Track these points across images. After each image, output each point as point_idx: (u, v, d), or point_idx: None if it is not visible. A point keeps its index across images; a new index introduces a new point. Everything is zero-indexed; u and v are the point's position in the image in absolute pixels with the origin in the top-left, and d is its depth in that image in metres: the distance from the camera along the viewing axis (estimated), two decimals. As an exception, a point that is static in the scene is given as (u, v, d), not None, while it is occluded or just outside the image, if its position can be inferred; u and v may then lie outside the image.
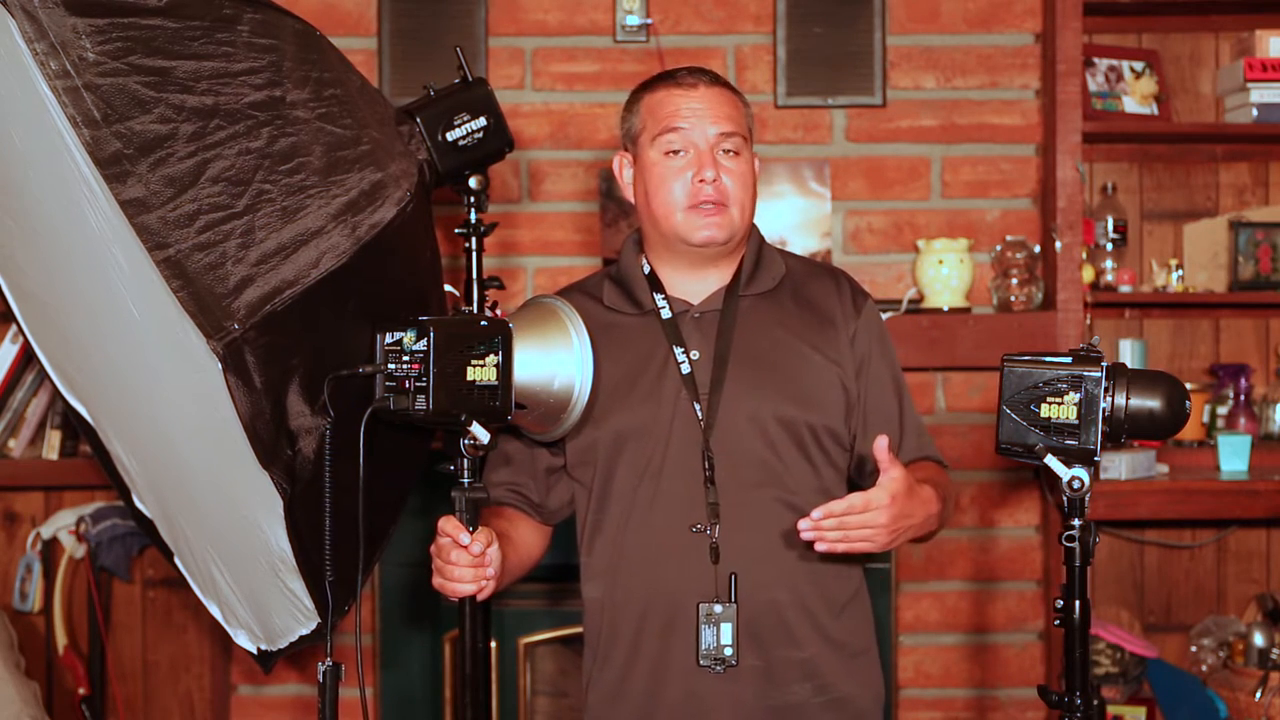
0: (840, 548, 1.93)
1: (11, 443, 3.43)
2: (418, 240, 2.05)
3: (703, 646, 2.07)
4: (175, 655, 3.67)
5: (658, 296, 2.18)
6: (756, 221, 2.27)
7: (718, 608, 2.07)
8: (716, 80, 2.18)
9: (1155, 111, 3.49)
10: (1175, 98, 3.59)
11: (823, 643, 2.14)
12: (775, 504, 2.12)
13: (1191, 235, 3.57)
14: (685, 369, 2.13)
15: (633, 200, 2.21)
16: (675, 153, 2.13)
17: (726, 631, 2.07)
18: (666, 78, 2.19)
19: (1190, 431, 3.44)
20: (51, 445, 3.43)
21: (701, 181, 2.10)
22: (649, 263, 2.21)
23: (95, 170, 1.75)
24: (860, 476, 2.20)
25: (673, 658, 2.11)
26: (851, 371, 2.18)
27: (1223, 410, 3.53)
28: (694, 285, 2.19)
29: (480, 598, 1.98)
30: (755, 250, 2.22)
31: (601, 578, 2.16)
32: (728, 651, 2.07)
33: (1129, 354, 3.46)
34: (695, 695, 2.10)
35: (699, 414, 2.11)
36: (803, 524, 1.91)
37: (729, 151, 2.13)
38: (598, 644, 2.19)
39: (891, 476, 1.93)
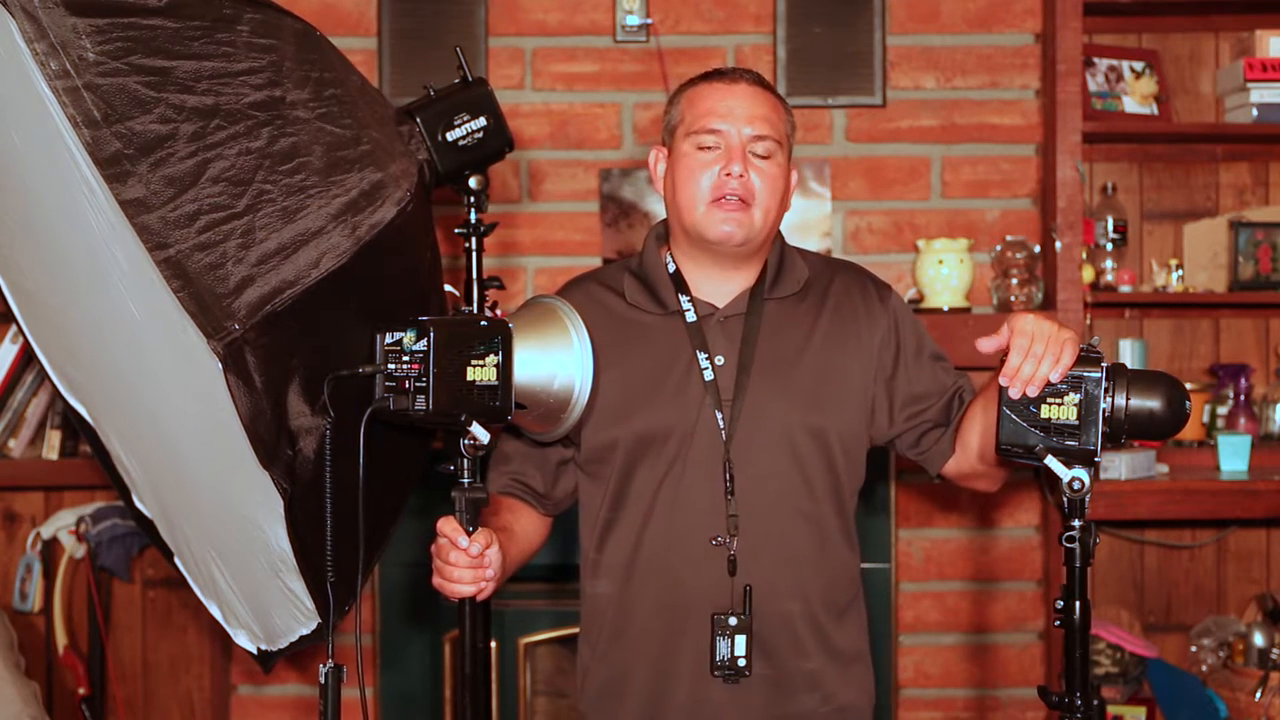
0: (1055, 374, 1.79)
1: (11, 443, 3.43)
2: (418, 240, 2.05)
3: (717, 657, 2.07)
4: (175, 655, 3.67)
5: (683, 298, 2.17)
6: None
7: (732, 619, 2.07)
8: (760, 82, 2.17)
9: (1155, 111, 3.49)
10: (1175, 98, 3.59)
11: (827, 653, 2.15)
12: (794, 515, 2.13)
13: (1191, 235, 3.57)
14: (709, 375, 2.12)
15: (662, 193, 2.21)
16: (708, 147, 2.12)
17: (741, 643, 2.07)
18: (710, 73, 2.19)
19: (1190, 431, 3.44)
20: (51, 445, 3.43)
21: (728, 175, 2.10)
22: (673, 260, 2.21)
23: (95, 170, 1.75)
24: (917, 449, 2.20)
25: (682, 663, 2.12)
26: (874, 369, 2.17)
27: (1223, 410, 3.53)
28: (719, 287, 2.18)
29: (480, 598, 1.98)
30: (778, 253, 2.21)
31: (612, 575, 2.16)
32: (741, 663, 2.07)
33: (1129, 354, 3.46)
34: (703, 701, 2.11)
35: (721, 423, 2.11)
36: (1013, 391, 1.80)
37: (761, 153, 2.12)
38: (598, 639, 2.19)
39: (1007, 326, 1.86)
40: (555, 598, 3.38)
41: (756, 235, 2.13)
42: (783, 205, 2.17)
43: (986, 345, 1.88)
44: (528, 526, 2.20)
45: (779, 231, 2.23)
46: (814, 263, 2.26)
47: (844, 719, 2.16)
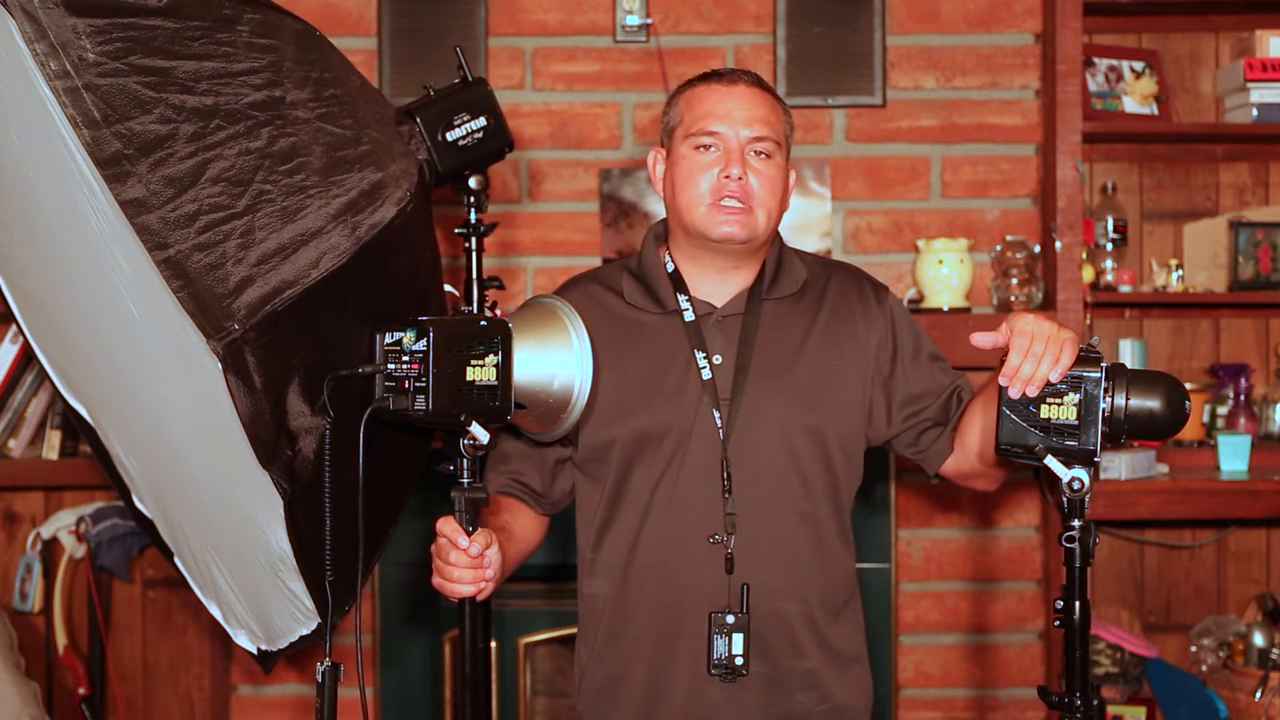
0: (1055, 373, 1.79)
1: (11, 443, 3.43)
2: (418, 240, 2.05)
3: (714, 655, 2.07)
4: (175, 655, 3.67)
5: (681, 297, 2.17)
6: None
7: (730, 618, 2.07)
8: (758, 83, 2.17)
9: (1155, 111, 3.49)
10: (1175, 98, 3.59)
11: (824, 653, 2.15)
12: (792, 515, 2.13)
13: (1191, 235, 3.57)
14: (706, 374, 2.12)
15: (661, 195, 2.22)
16: (706, 147, 2.12)
17: (738, 641, 2.07)
18: (709, 74, 2.19)
19: (1190, 431, 3.44)
20: (51, 445, 3.43)
21: (727, 178, 2.10)
22: (672, 260, 2.21)
23: (95, 170, 1.75)
24: (915, 448, 2.20)
25: (679, 661, 2.12)
26: (872, 370, 2.18)
27: (1223, 410, 3.53)
28: (717, 287, 2.18)
29: (480, 598, 1.98)
30: (777, 254, 2.22)
31: (609, 574, 2.16)
32: (739, 661, 2.07)
33: (1129, 354, 3.46)
34: (700, 700, 2.11)
35: (719, 421, 2.11)
36: (1012, 391, 1.80)
37: (760, 154, 2.12)
38: (595, 638, 2.19)
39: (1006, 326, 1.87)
40: (555, 597, 3.38)
41: (759, 236, 2.13)
42: (782, 205, 2.18)
43: (982, 340, 1.88)
44: (526, 526, 2.20)
45: (778, 232, 2.24)
46: (811, 264, 2.26)
47: (839, 718, 2.16)
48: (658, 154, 2.23)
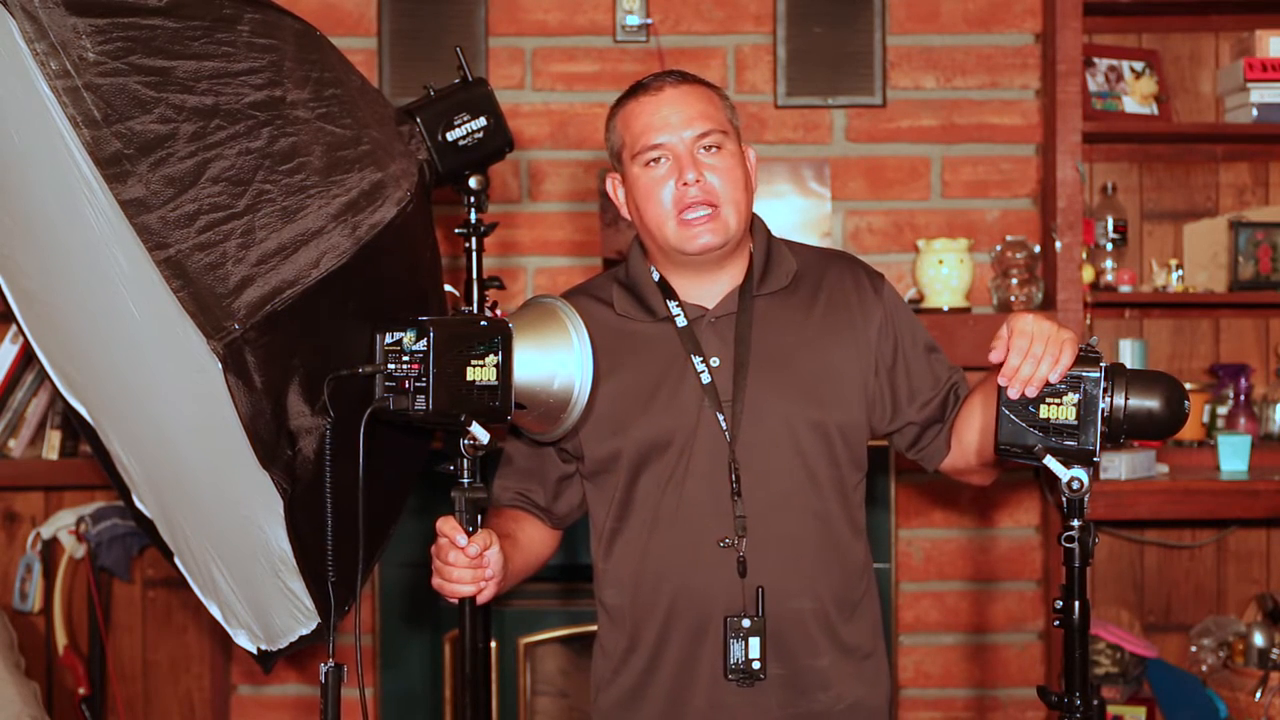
0: (1054, 374, 1.79)
1: (11, 443, 3.44)
2: (418, 240, 2.05)
3: (731, 660, 2.06)
4: (175, 655, 3.67)
5: (671, 304, 2.16)
6: (763, 217, 2.25)
7: (745, 621, 2.05)
8: (684, 79, 2.14)
9: (1155, 111, 3.49)
10: (1175, 98, 3.59)
11: (840, 651, 2.13)
12: (803, 513, 2.11)
13: (1191, 235, 3.57)
14: (706, 378, 2.11)
15: (629, 218, 2.20)
16: (655, 161, 2.10)
17: (754, 645, 2.05)
18: (635, 89, 2.16)
19: (1190, 431, 3.44)
20: (51, 445, 3.44)
21: (685, 185, 2.08)
22: (657, 270, 2.19)
23: (95, 170, 1.75)
24: (915, 447, 2.20)
25: (698, 667, 2.10)
26: (873, 361, 2.16)
27: (1223, 410, 3.53)
28: (706, 289, 2.16)
29: (481, 600, 1.97)
30: (764, 247, 2.19)
31: (621, 585, 2.15)
32: (756, 665, 2.05)
33: (1129, 354, 3.46)
34: (720, 704, 2.09)
35: (723, 424, 2.10)
36: (1012, 391, 1.80)
37: (710, 148, 2.10)
38: (614, 650, 2.18)
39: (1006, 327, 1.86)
40: (556, 598, 3.38)
41: (734, 234, 2.12)
42: (749, 192, 2.15)
43: (999, 356, 1.86)
44: (534, 537, 2.19)
45: (765, 226, 2.22)
46: (804, 254, 2.24)
47: (857, 716, 2.15)
48: (614, 179, 2.20)
